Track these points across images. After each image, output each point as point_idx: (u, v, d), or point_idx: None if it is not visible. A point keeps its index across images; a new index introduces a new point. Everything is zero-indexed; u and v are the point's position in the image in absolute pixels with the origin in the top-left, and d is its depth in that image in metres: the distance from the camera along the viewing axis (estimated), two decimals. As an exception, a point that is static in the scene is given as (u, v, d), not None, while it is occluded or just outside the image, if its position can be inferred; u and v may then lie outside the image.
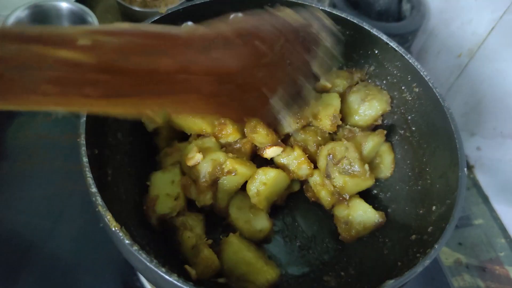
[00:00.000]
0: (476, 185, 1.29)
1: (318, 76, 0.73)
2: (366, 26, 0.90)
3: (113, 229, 0.65)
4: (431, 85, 0.85)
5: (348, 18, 0.91)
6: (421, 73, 0.86)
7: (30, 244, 0.96)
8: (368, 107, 0.95)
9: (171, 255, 0.84)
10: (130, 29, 0.52)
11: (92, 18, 1.16)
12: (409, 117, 0.94)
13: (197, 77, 0.59)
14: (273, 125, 0.85)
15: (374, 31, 0.90)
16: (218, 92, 0.62)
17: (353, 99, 0.96)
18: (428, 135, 0.89)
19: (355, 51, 0.98)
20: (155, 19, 0.87)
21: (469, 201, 1.27)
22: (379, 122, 0.97)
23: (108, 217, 0.65)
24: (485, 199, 1.27)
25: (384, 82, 0.97)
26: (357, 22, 0.91)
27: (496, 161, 1.23)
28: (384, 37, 0.90)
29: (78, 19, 1.19)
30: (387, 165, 0.96)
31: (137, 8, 1.33)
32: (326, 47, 0.71)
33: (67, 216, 1.00)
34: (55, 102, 0.46)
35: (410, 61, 0.87)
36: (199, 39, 0.60)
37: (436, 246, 0.70)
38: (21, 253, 0.94)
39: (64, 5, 1.18)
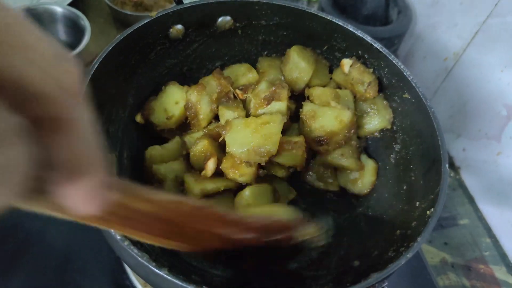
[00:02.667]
0: (462, 186, 1.32)
1: None
2: (351, 28, 0.93)
3: None
4: (414, 84, 0.87)
5: (333, 21, 0.93)
6: (405, 73, 0.88)
7: (21, 244, 0.97)
8: (367, 121, 0.98)
9: (162, 252, 0.86)
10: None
11: (85, 21, 1.18)
12: (394, 116, 0.96)
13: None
14: None
15: (359, 33, 0.92)
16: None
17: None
18: (412, 133, 0.91)
19: (341, 53, 1.00)
20: (145, 22, 0.89)
21: (455, 201, 1.29)
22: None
23: None
24: (471, 200, 1.29)
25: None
26: (342, 24, 0.93)
27: (481, 162, 1.26)
28: (369, 39, 0.92)
29: (71, 22, 1.21)
30: (365, 184, 0.98)
31: (128, 12, 1.35)
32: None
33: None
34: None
35: (393, 61, 0.89)
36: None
37: (418, 239, 0.72)
38: (13, 252, 0.95)
39: (57, 9, 1.20)
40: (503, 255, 1.20)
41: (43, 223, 0.99)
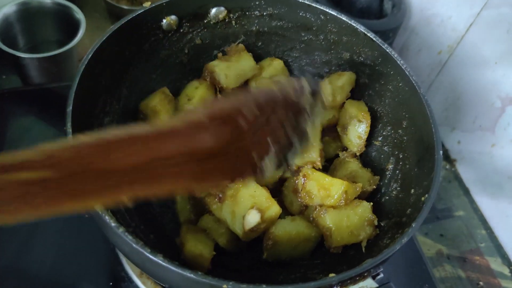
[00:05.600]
0: (457, 178, 1.32)
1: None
2: (344, 17, 0.93)
3: (99, 212, 0.66)
4: (407, 73, 0.87)
5: (327, 10, 0.93)
6: (398, 62, 0.88)
7: (13, 236, 0.96)
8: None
9: (158, 240, 0.86)
10: (90, 141, 0.54)
11: (79, 15, 1.17)
12: (388, 105, 0.96)
13: (172, 161, 0.58)
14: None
15: (353, 23, 0.93)
16: (200, 169, 0.61)
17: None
18: (406, 122, 0.91)
19: (334, 43, 1.01)
20: (139, 13, 0.89)
21: (451, 193, 1.29)
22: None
23: None
24: (466, 192, 1.30)
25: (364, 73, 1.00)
26: (335, 14, 0.93)
27: (476, 154, 1.26)
28: (362, 28, 0.92)
29: (65, 16, 1.20)
30: None
31: (124, 6, 1.34)
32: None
33: (46, 220, 0.99)
34: (32, 213, 0.51)
35: (387, 50, 0.89)
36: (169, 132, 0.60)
37: (413, 225, 0.72)
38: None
39: (52, 3, 1.19)
40: (498, 247, 1.20)
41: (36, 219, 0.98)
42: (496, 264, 1.18)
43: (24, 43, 1.24)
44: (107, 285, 0.94)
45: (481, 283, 1.14)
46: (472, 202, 1.28)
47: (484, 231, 1.23)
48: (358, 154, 0.98)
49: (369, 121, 0.95)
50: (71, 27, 1.19)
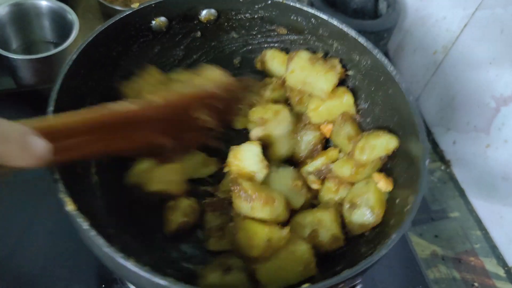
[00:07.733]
0: (452, 179, 1.31)
1: None
2: (335, 22, 0.92)
3: (71, 212, 0.65)
4: (397, 80, 0.86)
5: (318, 15, 0.92)
6: (388, 68, 0.87)
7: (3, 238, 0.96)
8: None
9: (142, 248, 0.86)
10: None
11: (72, 15, 1.17)
12: (378, 112, 0.96)
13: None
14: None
15: (343, 27, 0.91)
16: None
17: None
18: (396, 129, 0.91)
19: (327, 45, 1.00)
20: (127, 13, 0.89)
21: (446, 194, 1.29)
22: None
23: (67, 201, 0.65)
24: (461, 193, 1.29)
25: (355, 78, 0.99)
26: (326, 18, 0.92)
27: (471, 155, 1.25)
28: (353, 33, 0.91)
29: (58, 17, 1.21)
30: None
31: (118, 7, 1.34)
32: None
33: (38, 223, 0.99)
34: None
35: (377, 56, 0.88)
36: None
37: (393, 236, 0.70)
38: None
39: (44, 3, 1.19)
40: (493, 247, 1.20)
41: (21, 231, 0.98)
42: (491, 265, 1.17)
43: (17, 45, 1.24)
44: (99, 287, 0.94)
45: (476, 284, 1.14)
46: (467, 203, 1.27)
47: (479, 232, 1.23)
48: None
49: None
50: (65, 28, 1.19)
